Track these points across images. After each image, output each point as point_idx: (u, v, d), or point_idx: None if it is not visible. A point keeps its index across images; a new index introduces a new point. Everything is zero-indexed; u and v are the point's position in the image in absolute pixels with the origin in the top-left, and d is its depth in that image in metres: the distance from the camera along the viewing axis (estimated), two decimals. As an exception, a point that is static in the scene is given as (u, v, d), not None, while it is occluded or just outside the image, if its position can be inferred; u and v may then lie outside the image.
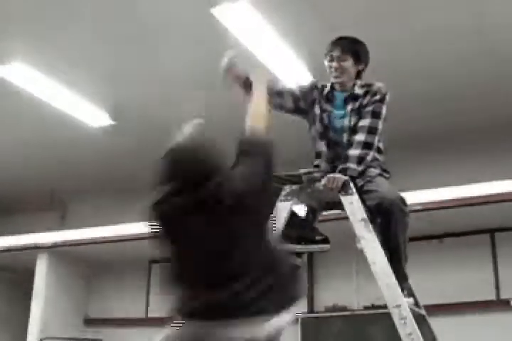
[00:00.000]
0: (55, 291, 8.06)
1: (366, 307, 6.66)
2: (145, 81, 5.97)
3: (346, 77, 3.06)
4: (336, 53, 3.05)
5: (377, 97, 3.02)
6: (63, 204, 9.03)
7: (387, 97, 3.05)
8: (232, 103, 3.04)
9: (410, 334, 2.53)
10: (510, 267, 6.33)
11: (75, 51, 5.47)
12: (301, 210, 3.23)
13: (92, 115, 6.58)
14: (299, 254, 3.16)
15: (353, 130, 3.01)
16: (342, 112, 3.07)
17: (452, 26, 5.06)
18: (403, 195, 2.91)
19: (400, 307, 2.59)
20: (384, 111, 3.04)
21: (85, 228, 7.76)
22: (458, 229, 6.53)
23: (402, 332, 2.55)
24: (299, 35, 5.10)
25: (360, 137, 2.97)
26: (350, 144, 2.99)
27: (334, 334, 6.43)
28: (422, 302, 3.19)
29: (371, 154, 2.98)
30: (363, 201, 2.85)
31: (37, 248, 7.91)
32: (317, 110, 3.13)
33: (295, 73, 5.59)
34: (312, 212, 3.28)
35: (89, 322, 8.51)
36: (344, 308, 7.02)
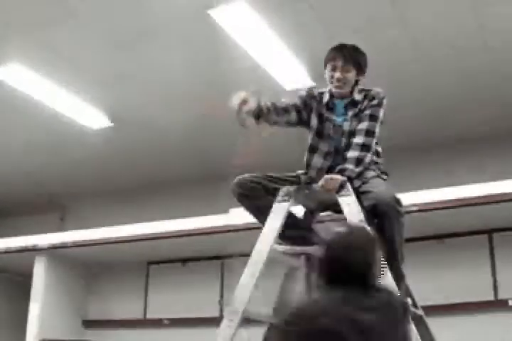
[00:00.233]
0: (53, 293, 8.04)
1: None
2: (143, 82, 5.98)
3: (347, 88, 3.07)
4: (339, 64, 3.04)
5: (375, 102, 3.04)
6: (62, 206, 9.03)
7: (385, 101, 3.07)
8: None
9: (408, 334, 2.53)
10: (509, 267, 6.32)
11: (72, 53, 5.47)
12: (298, 211, 3.23)
13: (90, 117, 6.59)
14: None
15: (352, 134, 3.03)
16: (342, 119, 3.08)
17: (454, 35, 5.09)
18: (401, 195, 2.92)
19: (398, 308, 2.58)
20: (381, 114, 3.06)
21: (84, 229, 7.75)
22: (456, 230, 6.52)
23: (399, 332, 2.54)
24: (298, 36, 5.11)
25: (358, 139, 2.99)
26: (348, 147, 3.00)
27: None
28: (419, 303, 3.19)
29: (369, 156, 3.00)
30: (360, 202, 2.85)
31: (36, 249, 7.89)
32: (314, 120, 3.13)
33: (293, 74, 5.60)
34: (309, 213, 3.29)
35: (88, 323, 8.50)
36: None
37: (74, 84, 5.97)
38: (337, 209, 2.90)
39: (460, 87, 5.90)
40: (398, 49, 5.32)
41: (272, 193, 3.00)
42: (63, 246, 7.74)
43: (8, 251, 7.99)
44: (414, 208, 5.50)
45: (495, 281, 6.38)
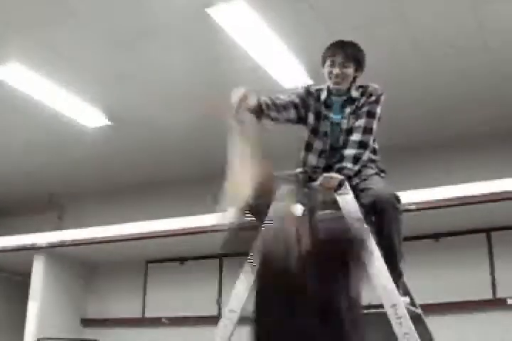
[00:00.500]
0: (52, 292, 8.04)
1: (363, 307, 6.65)
2: (143, 82, 5.97)
3: (346, 84, 3.07)
4: (338, 59, 3.03)
5: (373, 98, 3.04)
6: (60, 205, 9.02)
7: (383, 98, 3.07)
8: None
9: (407, 333, 2.53)
10: (507, 266, 6.33)
11: (72, 52, 5.46)
12: (297, 210, 3.23)
13: (89, 116, 6.58)
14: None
15: (350, 131, 3.02)
16: (339, 116, 3.07)
17: (454, 35, 5.08)
18: (399, 194, 2.92)
19: (396, 307, 2.59)
20: (379, 111, 3.05)
21: (82, 228, 7.75)
22: (454, 229, 6.53)
23: (398, 331, 2.55)
24: (296, 35, 5.10)
25: (355, 137, 2.99)
26: (345, 144, 3.00)
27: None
28: (418, 302, 3.19)
29: (366, 154, 3.00)
30: (358, 200, 2.85)
31: (34, 248, 7.89)
32: (311, 117, 3.12)
33: (292, 73, 5.59)
34: (308, 211, 3.28)
35: (87, 322, 8.50)
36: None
37: (74, 84, 5.97)
38: (335, 207, 2.90)
39: (460, 86, 5.90)
40: (398, 49, 5.31)
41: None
42: (62, 245, 7.74)
43: (6, 250, 7.99)
44: (413, 207, 5.51)
45: (493, 280, 6.38)
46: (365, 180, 2.94)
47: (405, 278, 3.01)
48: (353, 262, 1.87)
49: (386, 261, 2.71)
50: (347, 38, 3.18)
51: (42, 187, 8.62)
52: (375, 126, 3.03)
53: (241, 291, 2.78)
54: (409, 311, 2.66)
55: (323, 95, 3.12)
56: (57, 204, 8.96)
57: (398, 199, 2.86)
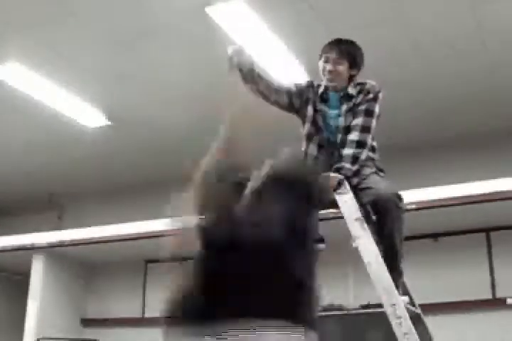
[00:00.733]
0: (51, 291, 8.04)
1: (363, 307, 6.64)
2: (142, 82, 5.97)
3: (339, 81, 3.06)
4: (332, 55, 3.04)
5: (371, 96, 3.02)
6: (60, 205, 9.01)
7: (380, 95, 3.05)
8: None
9: (406, 333, 2.53)
10: (506, 266, 6.33)
11: (72, 52, 5.46)
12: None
13: (88, 116, 6.57)
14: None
15: (347, 129, 3.01)
16: (336, 112, 3.07)
17: (454, 35, 5.08)
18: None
19: (395, 307, 2.59)
20: (377, 109, 3.04)
21: (82, 228, 7.75)
22: (454, 228, 6.53)
23: (397, 331, 2.55)
24: (296, 35, 5.10)
25: (353, 136, 2.97)
26: (343, 143, 2.99)
27: (330, 333, 6.42)
28: (417, 301, 3.19)
29: (365, 153, 2.98)
30: (359, 200, 2.85)
31: (34, 248, 7.89)
32: (310, 110, 3.12)
33: (291, 72, 5.59)
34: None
35: (86, 322, 8.50)
36: (340, 307, 7.00)
37: (74, 84, 5.96)
38: (335, 207, 2.90)
39: (460, 87, 5.90)
40: (398, 49, 5.31)
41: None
42: (61, 244, 7.74)
43: (5, 250, 7.98)
44: (412, 206, 5.50)
45: (493, 280, 6.39)
46: (364, 179, 2.93)
47: (404, 278, 3.01)
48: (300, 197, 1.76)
49: (386, 260, 2.71)
50: (347, 37, 3.18)
51: (42, 187, 8.61)
52: (373, 125, 3.01)
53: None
54: (408, 311, 2.66)
55: (321, 89, 3.13)
56: (57, 204, 8.96)
57: (400, 198, 2.85)
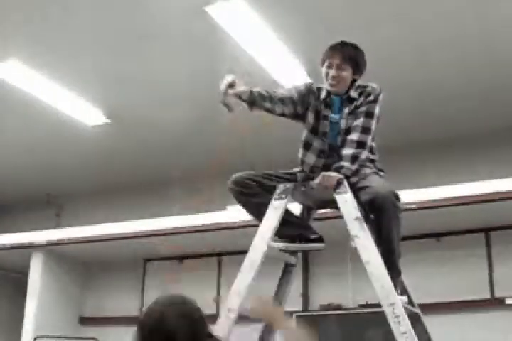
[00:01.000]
0: (50, 289, 8.04)
1: (361, 306, 6.66)
2: (140, 80, 5.97)
3: (342, 86, 3.05)
4: (335, 61, 3.01)
5: (371, 98, 3.02)
6: (58, 203, 9.02)
7: (381, 97, 3.05)
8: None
9: (405, 333, 2.52)
10: (505, 266, 6.34)
11: (72, 52, 5.46)
12: (295, 209, 3.23)
13: (87, 114, 6.57)
14: (293, 253, 3.17)
15: (348, 131, 3.01)
16: (338, 116, 3.06)
17: (455, 33, 5.08)
18: (399, 193, 2.91)
19: (394, 306, 2.58)
20: (377, 111, 3.03)
21: (80, 227, 7.75)
22: (453, 228, 6.54)
23: (396, 330, 2.54)
24: (295, 34, 5.10)
25: (353, 136, 2.97)
26: (343, 144, 2.99)
27: (329, 332, 6.43)
28: (416, 301, 3.19)
29: (365, 153, 2.98)
30: (357, 199, 2.85)
31: (32, 246, 7.89)
32: (310, 117, 3.10)
33: (291, 72, 5.59)
34: (306, 210, 3.28)
35: (84, 320, 8.50)
36: (339, 307, 7.02)
37: (74, 84, 5.97)
38: (334, 206, 2.90)
39: (460, 87, 5.90)
40: (398, 49, 5.31)
41: (269, 191, 3.00)
42: (60, 243, 7.74)
43: (4, 248, 7.99)
44: (412, 206, 5.51)
45: (491, 279, 6.39)
46: (363, 178, 2.93)
47: (403, 278, 3.01)
48: None
49: (384, 259, 2.71)
50: (347, 38, 3.17)
51: (41, 185, 8.62)
52: (373, 126, 3.01)
53: (240, 289, 2.78)
54: (407, 310, 2.66)
55: (323, 94, 3.11)
56: (56, 202, 8.96)
57: (397, 197, 2.85)
